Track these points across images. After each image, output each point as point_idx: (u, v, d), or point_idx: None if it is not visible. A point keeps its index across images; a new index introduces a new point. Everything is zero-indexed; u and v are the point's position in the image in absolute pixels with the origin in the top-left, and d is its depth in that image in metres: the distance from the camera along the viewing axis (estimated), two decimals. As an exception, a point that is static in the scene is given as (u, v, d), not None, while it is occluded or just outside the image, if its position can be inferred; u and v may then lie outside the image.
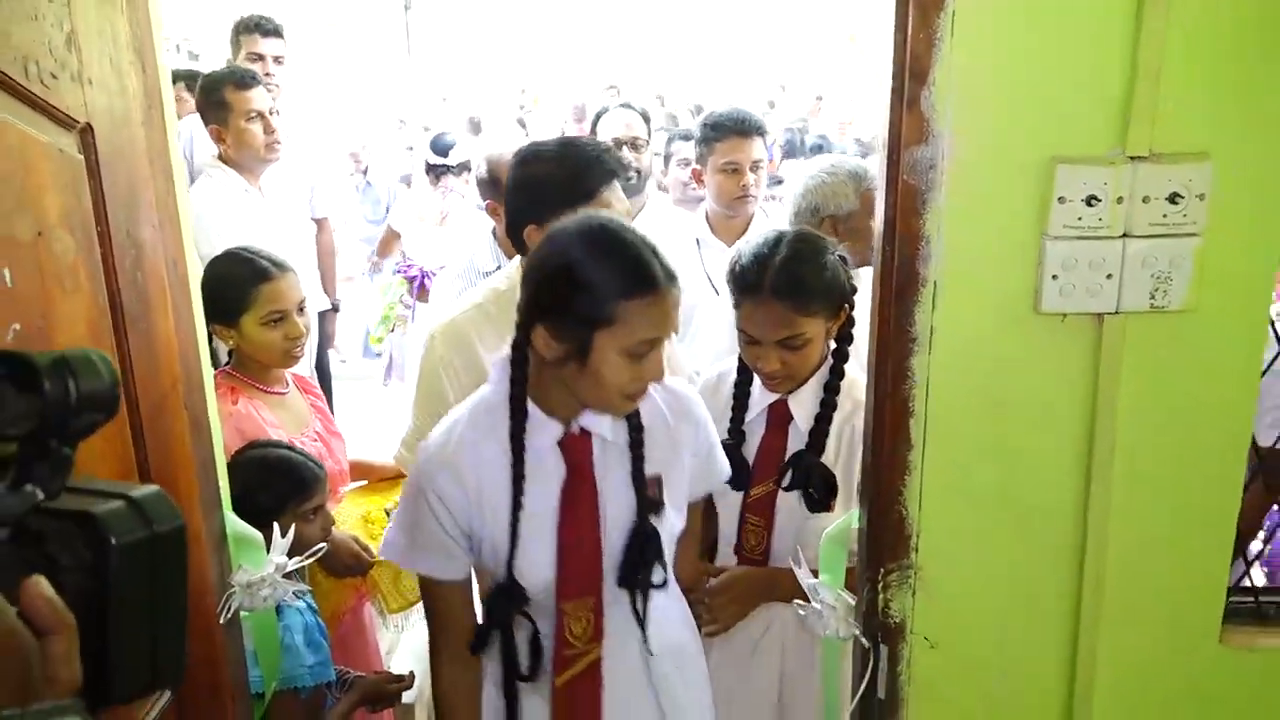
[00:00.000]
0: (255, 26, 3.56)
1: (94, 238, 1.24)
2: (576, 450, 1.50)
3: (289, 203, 3.33)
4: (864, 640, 1.61)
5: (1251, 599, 1.64)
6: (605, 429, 1.50)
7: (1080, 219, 1.37)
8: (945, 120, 1.36)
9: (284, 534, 1.73)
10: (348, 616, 2.28)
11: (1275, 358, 1.60)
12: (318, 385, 3.28)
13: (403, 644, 2.68)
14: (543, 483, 1.48)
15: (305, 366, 3.14)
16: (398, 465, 2.09)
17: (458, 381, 1.82)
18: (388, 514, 2.26)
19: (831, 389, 1.86)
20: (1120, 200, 1.36)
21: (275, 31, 3.55)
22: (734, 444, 1.89)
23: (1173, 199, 1.36)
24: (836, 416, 1.87)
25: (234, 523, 1.70)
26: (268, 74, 3.54)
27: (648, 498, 1.53)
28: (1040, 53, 1.34)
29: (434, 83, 6.25)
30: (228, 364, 2.21)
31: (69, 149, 1.20)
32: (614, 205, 1.77)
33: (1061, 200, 1.37)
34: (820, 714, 1.85)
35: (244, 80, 3.03)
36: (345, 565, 2.06)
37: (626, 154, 3.02)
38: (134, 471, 1.38)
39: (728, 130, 3.04)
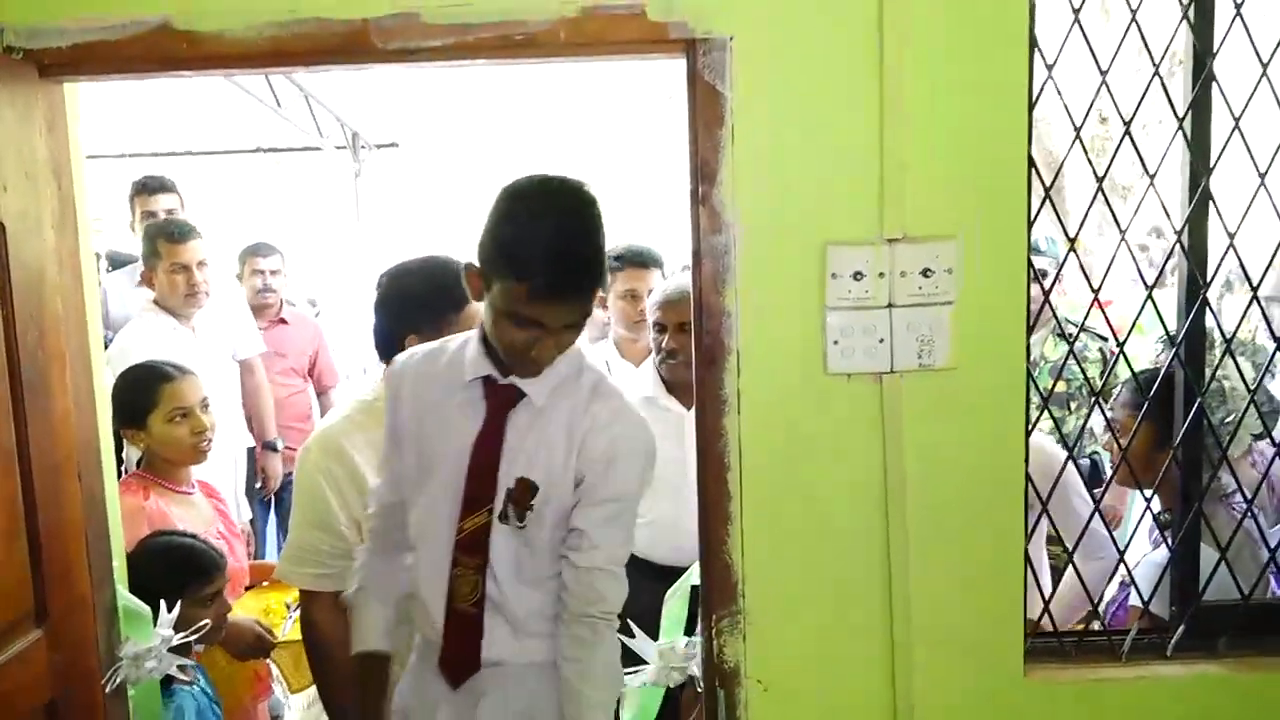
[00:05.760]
0: (143, 187, 3.80)
1: (-2, 315, 1.46)
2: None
3: (219, 344, 3.54)
4: (699, 685, 1.75)
5: (1053, 638, 1.80)
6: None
7: (850, 291, 1.63)
8: (733, 213, 1.63)
9: (170, 610, 1.86)
10: (250, 708, 2.35)
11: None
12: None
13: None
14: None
15: (229, 495, 3.27)
16: (280, 579, 2.12)
17: (338, 488, 1.86)
18: (288, 607, 2.38)
19: None
20: (881, 275, 1.62)
21: (165, 188, 3.80)
22: None
23: (925, 273, 1.62)
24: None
25: (124, 597, 1.83)
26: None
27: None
28: (806, 155, 1.63)
29: (383, 244, 6.67)
30: (139, 468, 2.38)
31: (-19, 241, 1.43)
32: (475, 321, 1.79)
33: (834, 276, 1.62)
34: None
35: (173, 235, 3.30)
36: (248, 645, 2.16)
37: None
38: (23, 532, 1.54)
39: (627, 262, 3.34)
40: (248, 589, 2.53)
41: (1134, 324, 2.12)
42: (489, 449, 1.51)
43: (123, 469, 2.54)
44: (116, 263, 4.54)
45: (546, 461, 1.51)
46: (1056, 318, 2.07)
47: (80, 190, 1.76)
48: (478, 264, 1.45)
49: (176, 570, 2.01)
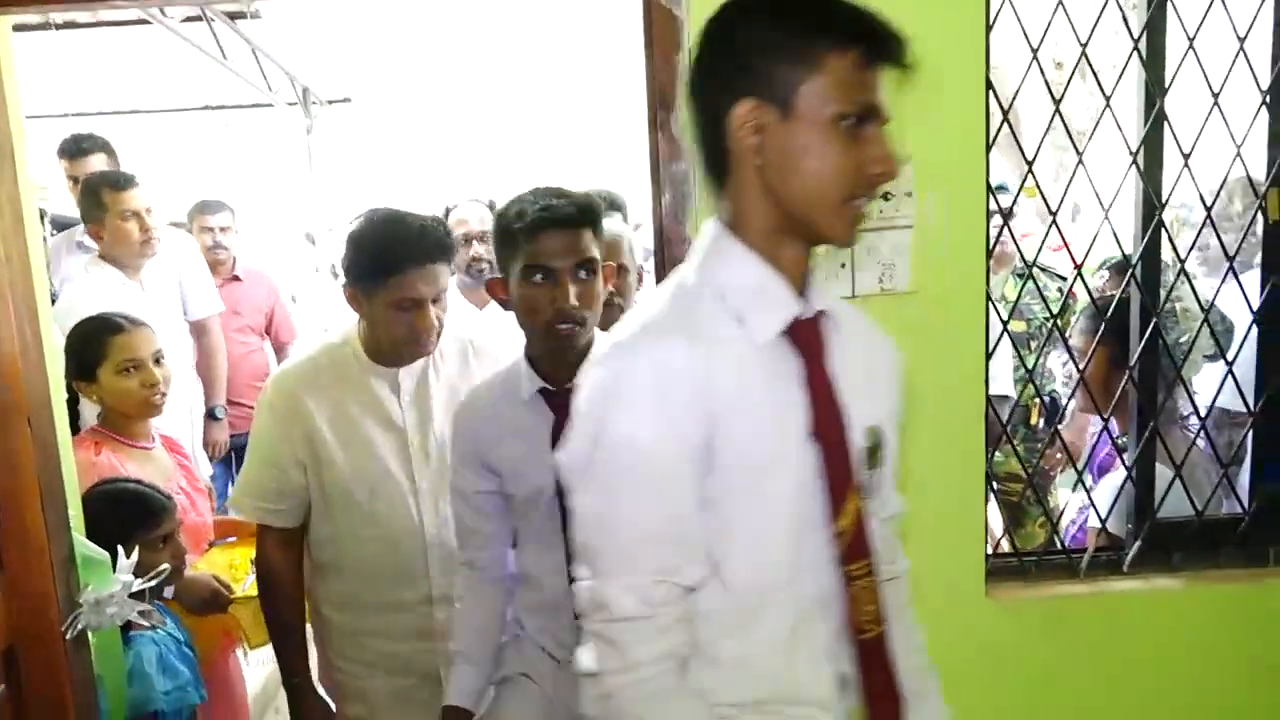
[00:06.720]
0: (66, 150, 3.66)
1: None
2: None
3: (169, 301, 3.47)
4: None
5: (1014, 558, 1.84)
6: None
7: (811, 216, 1.62)
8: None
9: (129, 556, 1.83)
10: (219, 661, 2.33)
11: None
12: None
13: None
14: None
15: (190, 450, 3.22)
16: (231, 511, 2.09)
17: (280, 426, 1.82)
18: (252, 563, 2.35)
19: None
20: (842, 199, 1.61)
21: (86, 150, 3.67)
22: None
23: (885, 197, 1.62)
24: None
25: (82, 544, 1.80)
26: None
27: None
28: (765, 81, 1.60)
29: (337, 200, 6.60)
30: (98, 423, 2.34)
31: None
32: (418, 287, 1.69)
33: (794, 201, 1.61)
34: None
35: (118, 182, 3.23)
36: (203, 600, 2.14)
37: (476, 247, 2.94)
38: (-27, 477, 1.51)
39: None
40: (211, 545, 2.51)
41: (1087, 253, 2.14)
42: (833, 406, 1.05)
43: (79, 424, 2.50)
44: (60, 226, 4.44)
45: (881, 394, 1.14)
46: (1022, 255, 2.06)
47: (19, 133, 1.69)
48: (757, 94, 1.02)
49: (124, 516, 1.98)
